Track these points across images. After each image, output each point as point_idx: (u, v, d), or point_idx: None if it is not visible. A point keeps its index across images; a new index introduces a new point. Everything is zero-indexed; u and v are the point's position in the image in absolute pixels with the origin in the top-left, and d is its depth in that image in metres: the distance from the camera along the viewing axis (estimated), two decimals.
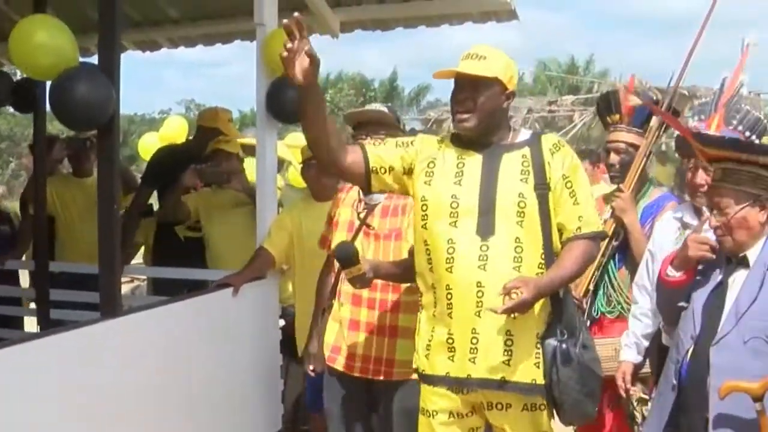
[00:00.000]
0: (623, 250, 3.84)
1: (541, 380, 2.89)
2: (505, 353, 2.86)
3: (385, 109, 3.58)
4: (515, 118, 15.34)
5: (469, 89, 2.90)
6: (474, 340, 2.87)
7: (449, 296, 2.89)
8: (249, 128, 10.56)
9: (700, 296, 2.93)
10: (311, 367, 3.93)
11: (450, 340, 2.92)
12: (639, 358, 3.68)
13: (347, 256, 3.20)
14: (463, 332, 2.89)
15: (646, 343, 3.66)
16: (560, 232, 2.95)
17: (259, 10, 4.59)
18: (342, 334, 3.58)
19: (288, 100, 4.37)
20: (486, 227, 2.84)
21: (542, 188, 2.89)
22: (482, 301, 2.83)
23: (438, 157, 2.99)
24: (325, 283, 3.89)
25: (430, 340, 2.98)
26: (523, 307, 2.73)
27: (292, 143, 6.82)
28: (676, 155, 4.06)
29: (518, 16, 5.92)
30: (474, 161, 2.95)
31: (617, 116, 3.89)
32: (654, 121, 3.81)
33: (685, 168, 3.59)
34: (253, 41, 4.78)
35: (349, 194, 3.73)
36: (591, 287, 3.85)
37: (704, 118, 3.32)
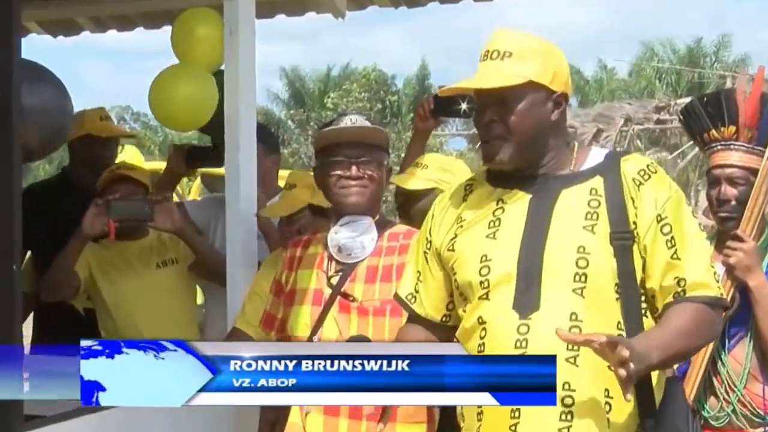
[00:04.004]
0: (740, 323, 3.34)
1: None
2: None
3: (368, 123, 3.09)
4: (607, 133, 12.21)
5: (494, 107, 2.44)
6: None
7: None
8: None
9: None
10: None
11: None
12: None
13: None
14: None
15: None
16: (653, 300, 2.45)
17: None
18: None
19: None
20: (527, 299, 2.41)
21: (623, 238, 2.41)
22: (519, 408, 2.34)
23: (461, 208, 2.56)
24: None
25: None
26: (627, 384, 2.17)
27: None
28: None
29: None
30: (517, 203, 2.50)
31: (732, 128, 3.38)
32: None
33: None
34: None
35: (309, 250, 3.16)
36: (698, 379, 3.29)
37: None
